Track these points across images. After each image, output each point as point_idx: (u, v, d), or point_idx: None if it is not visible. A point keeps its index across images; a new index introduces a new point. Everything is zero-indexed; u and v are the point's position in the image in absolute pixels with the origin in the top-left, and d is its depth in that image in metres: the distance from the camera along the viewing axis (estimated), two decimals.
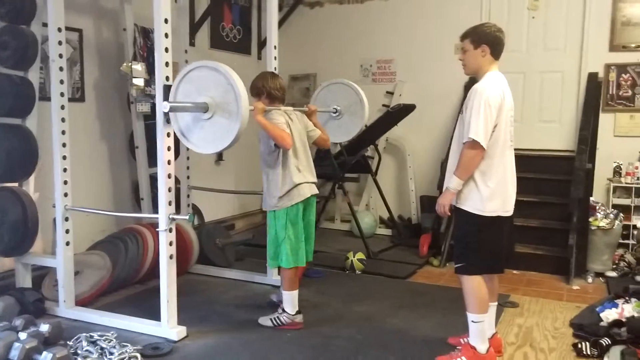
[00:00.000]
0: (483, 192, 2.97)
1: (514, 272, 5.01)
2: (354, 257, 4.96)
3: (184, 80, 3.21)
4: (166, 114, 3.24)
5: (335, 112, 4.28)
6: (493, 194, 2.97)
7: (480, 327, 3.04)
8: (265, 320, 3.69)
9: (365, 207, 6.56)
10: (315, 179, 3.68)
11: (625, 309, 3.62)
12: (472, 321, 3.04)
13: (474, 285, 3.02)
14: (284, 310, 3.63)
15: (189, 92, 3.17)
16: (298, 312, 3.64)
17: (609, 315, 3.62)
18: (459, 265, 3.09)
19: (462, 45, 3.11)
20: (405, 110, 5.76)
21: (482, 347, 3.04)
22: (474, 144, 2.90)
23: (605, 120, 5.65)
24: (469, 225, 3.06)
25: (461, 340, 3.25)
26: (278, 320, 3.64)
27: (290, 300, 3.61)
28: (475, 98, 2.93)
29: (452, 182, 3.00)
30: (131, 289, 4.37)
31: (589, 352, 3.28)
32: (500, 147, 2.99)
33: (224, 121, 3.09)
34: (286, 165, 3.51)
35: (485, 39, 3.03)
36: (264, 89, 3.59)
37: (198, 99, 3.13)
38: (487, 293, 3.07)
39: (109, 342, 3.21)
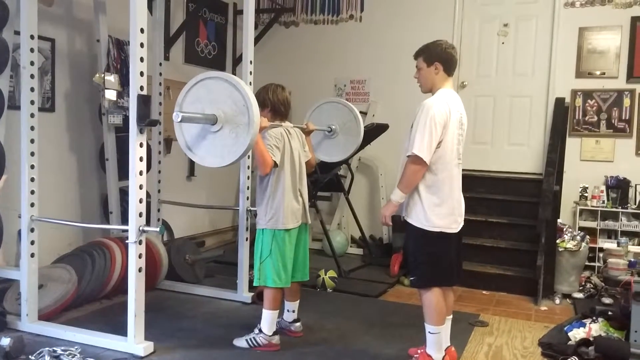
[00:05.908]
0: (427, 207, 3.04)
1: (484, 292, 5.06)
2: (325, 275, 4.95)
3: (198, 85, 3.10)
4: (141, 123, 3.20)
5: (330, 131, 4.19)
6: (436, 210, 3.04)
7: (437, 338, 3.14)
8: (240, 341, 3.54)
9: (337, 226, 6.54)
10: (307, 204, 3.61)
11: (593, 328, 3.67)
12: (429, 332, 3.14)
13: (432, 298, 3.10)
14: (260, 331, 3.50)
15: (200, 96, 3.07)
16: (275, 333, 3.52)
17: (576, 334, 3.68)
18: (412, 278, 3.22)
19: (416, 63, 3.20)
20: (378, 129, 5.81)
21: (437, 355, 3.14)
22: (417, 159, 2.98)
23: (572, 145, 5.78)
24: (415, 239, 3.14)
25: (418, 350, 3.31)
26: (254, 341, 3.50)
27: (268, 320, 3.48)
28: (422, 114, 3.01)
29: (394, 194, 3.10)
30: (97, 304, 4.26)
31: None
32: (447, 164, 3.06)
33: (230, 138, 3.00)
34: (278, 185, 3.42)
35: (438, 57, 3.11)
36: (269, 102, 3.47)
37: (207, 109, 3.04)
38: (445, 306, 3.15)
39: (73, 357, 3.13)
